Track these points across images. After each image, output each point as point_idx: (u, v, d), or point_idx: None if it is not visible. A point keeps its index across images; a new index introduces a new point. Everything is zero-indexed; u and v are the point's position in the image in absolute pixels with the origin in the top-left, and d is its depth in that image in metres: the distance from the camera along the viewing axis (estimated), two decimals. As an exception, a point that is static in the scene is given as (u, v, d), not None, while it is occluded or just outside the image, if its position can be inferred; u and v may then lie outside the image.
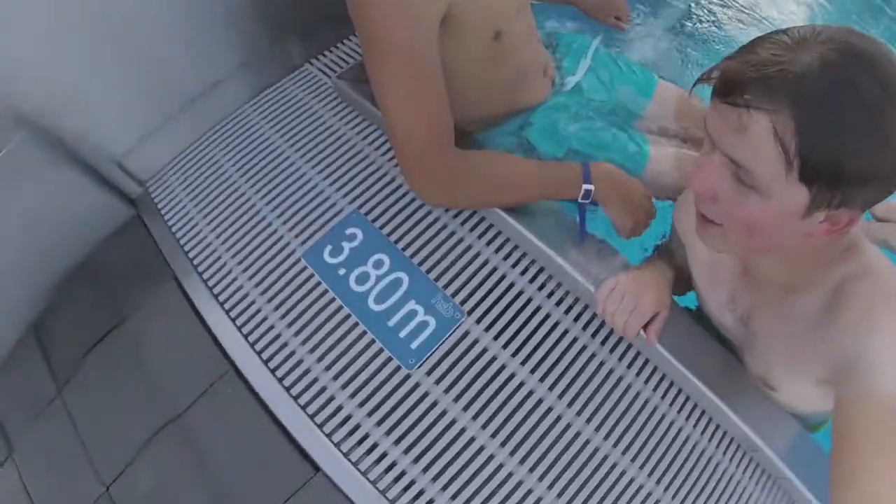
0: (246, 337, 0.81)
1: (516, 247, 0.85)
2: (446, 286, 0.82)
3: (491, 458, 0.73)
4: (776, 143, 0.44)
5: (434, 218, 0.88)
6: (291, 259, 0.86)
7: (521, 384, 0.77)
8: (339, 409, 0.76)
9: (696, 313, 0.87)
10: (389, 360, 0.78)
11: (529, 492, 0.71)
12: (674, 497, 0.73)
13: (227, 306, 0.84)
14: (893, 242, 0.69)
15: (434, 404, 0.75)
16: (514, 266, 0.84)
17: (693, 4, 1.43)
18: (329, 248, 0.87)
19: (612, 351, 0.79)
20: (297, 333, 0.81)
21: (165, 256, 0.91)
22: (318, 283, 0.84)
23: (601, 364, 0.79)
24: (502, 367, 0.78)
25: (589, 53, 1.00)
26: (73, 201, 0.90)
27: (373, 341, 0.79)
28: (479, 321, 0.80)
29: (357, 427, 0.75)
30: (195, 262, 0.89)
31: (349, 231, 0.88)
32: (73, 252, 0.95)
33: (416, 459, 0.73)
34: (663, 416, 0.77)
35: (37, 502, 0.81)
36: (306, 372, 0.78)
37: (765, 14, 1.43)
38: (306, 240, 0.88)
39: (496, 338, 0.79)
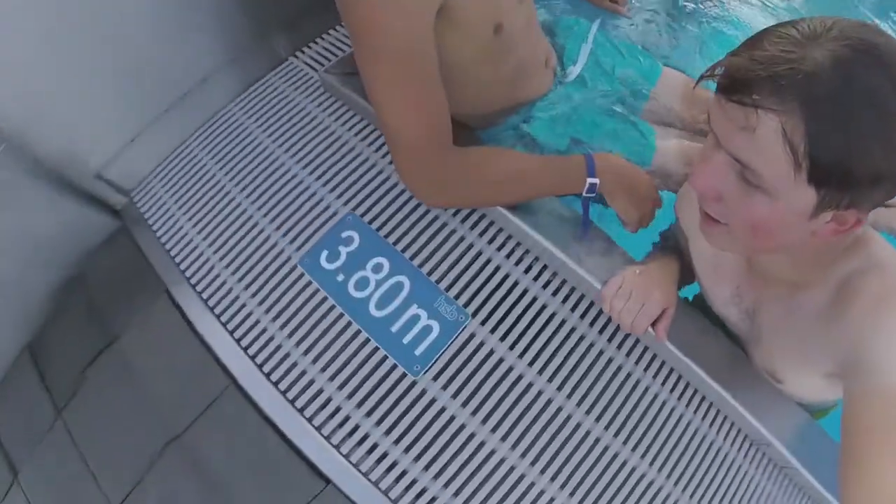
0: (245, 350, 0.79)
1: (519, 244, 0.83)
2: (449, 288, 0.80)
3: (502, 461, 0.72)
4: (785, 144, 0.42)
5: (433, 217, 0.85)
6: (287, 266, 0.84)
7: (530, 385, 0.76)
8: (347, 419, 0.75)
9: (699, 302, 0.86)
10: (395, 367, 0.77)
11: (542, 493, 0.71)
12: (684, 490, 0.74)
13: (223, 318, 0.82)
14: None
15: (442, 410, 0.74)
16: (517, 264, 0.82)
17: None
18: (325, 253, 0.84)
19: (619, 347, 0.79)
20: (299, 344, 0.78)
21: (155, 268, 0.87)
22: (317, 291, 0.81)
23: (609, 360, 0.78)
24: (510, 369, 0.76)
25: (590, 38, 0.96)
26: (56, 216, 0.86)
27: (376, 349, 0.78)
28: (483, 323, 0.79)
29: (366, 437, 0.74)
30: (187, 273, 0.85)
31: (345, 234, 0.85)
32: (64, 268, 0.91)
33: (427, 467, 0.72)
34: (672, 410, 0.77)
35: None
36: (310, 383, 0.76)
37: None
38: (301, 245, 0.85)
39: (502, 339, 0.78)
